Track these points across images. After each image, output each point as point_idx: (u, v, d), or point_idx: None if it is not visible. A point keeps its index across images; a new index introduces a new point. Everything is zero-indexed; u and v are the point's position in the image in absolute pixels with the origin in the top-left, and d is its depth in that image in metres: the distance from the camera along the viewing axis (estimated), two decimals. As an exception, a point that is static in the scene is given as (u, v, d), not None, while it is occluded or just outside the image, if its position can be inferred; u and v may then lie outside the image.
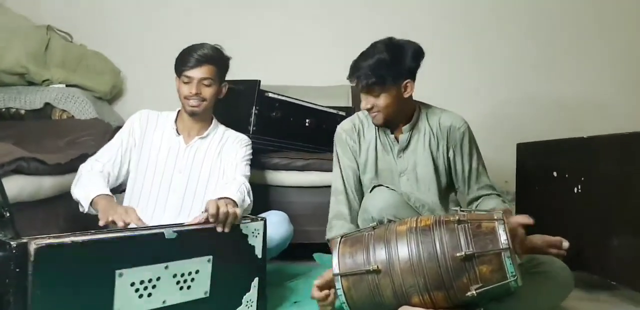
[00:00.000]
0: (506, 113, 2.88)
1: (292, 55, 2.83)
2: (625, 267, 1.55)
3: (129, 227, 1.24)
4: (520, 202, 2.21)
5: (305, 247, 1.89)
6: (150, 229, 1.15)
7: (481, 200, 1.58)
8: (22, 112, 2.25)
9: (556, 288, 1.34)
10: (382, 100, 1.50)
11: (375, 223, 1.30)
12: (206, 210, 1.20)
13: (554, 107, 2.88)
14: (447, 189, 1.63)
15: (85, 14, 2.77)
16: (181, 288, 1.13)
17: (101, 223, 1.29)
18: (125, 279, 1.03)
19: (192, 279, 1.15)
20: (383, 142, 1.62)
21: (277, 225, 1.52)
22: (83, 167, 1.52)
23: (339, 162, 1.65)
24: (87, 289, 0.98)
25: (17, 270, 0.90)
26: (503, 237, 1.10)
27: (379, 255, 1.19)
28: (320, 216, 1.71)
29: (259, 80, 1.96)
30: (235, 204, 1.38)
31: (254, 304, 1.29)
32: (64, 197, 1.51)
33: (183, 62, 1.57)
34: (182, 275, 1.13)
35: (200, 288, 1.17)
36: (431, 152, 1.59)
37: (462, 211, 1.21)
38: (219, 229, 1.20)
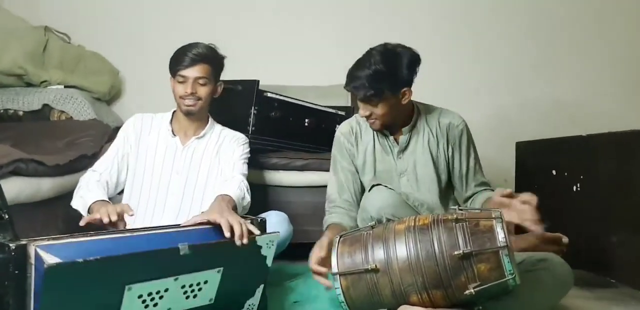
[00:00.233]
0: (505, 112, 2.89)
1: (291, 55, 2.83)
2: (625, 265, 1.55)
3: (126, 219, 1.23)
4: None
5: (304, 247, 1.89)
6: (149, 229, 1.15)
7: (475, 195, 1.59)
8: (21, 113, 2.25)
9: (555, 286, 1.33)
10: (380, 109, 1.49)
11: (373, 222, 1.30)
12: (208, 218, 1.19)
13: (553, 106, 2.88)
14: (447, 189, 1.63)
15: (83, 15, 2.77)
16: (187, 297, 1.10)
17: (81, 223, 1.25)
18: (134, 292, 1.00)
19: (200, 289, 1.12)
20: (382, 143, 1.62)
21: (276, 225, 1.52)
22: (82, 179, 1.52)
23: (336, 166, 1.65)
24: (94, 302, 0.96)
25: (16, 272, 0.90)
26: (501, 236, 1.10)
27: (378, 254, 1.19)
28: (319, 216, 1.71)
29: (258, 80, 1.96)
30: (233, 201, 1.39)
31: (255, 307, 1.29)
32: (63, 199, 1.51)
33: (177, 61, 1.56)
34: (191, 285, 1.10)
35: (206, 296, 1.14)
36: (431, 152, 1.59)
37: (461, 210, 1.22)
38: (238, 243, 1.16)
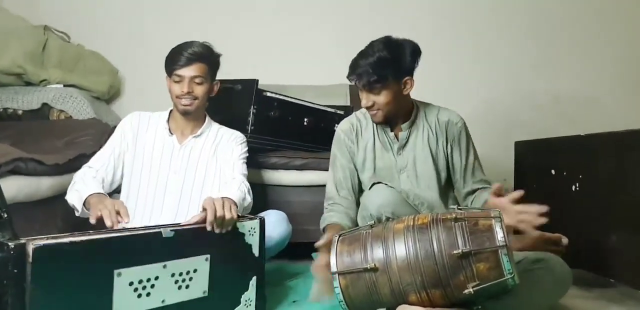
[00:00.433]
0: (504, 111, 2.89)
1: (290, 55, 2.83)
2: (624, 265, 1.55)
3: (120, 226, 1.24)
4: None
5: (304, 246, 1.89)
6: (148, 228, 1.15)
7: (476, 194, 1.59)
8: (20, 112, 2.25)
9: (554, 285, 1.34)
10: (383, 98, 1.50)
11: (373, 221, 1.30)
12: (204, 209, 1.20)
13: (553, 106, 2.89)
14: (446, 185, 1.64)
15: (82, 14, 2.77)
16: (180, 287, 1.13)
17: (92, 220, 1.27)
18: (124, 279, 1.03)
19: (191, 278, 1.15)
20: (382, 140, 1.63)
21: (275, 224, 1.52)
22: (77, 175, 1.51)
23: (335, 163, 1.65)
24: (85, 288, 0.98)
25: (15, 271, 0.90)
26: (500, 235, 1.10)
27: (377, 253, 1.19)
28: (318, 215, 1.70)
29: (257, 80, 1.96)
30: (234, 203, 1.39)
31: (253, 303, 1.30)
32: (62, 198, 1.50)
33: (173, 61, 1.56)
34: (181, 274, 1.13)
35: (199, 287, 1.17)
36: (430, 149, 1.60)
37: (460, 209, 1.22)
38: (217, 231, 1.20)
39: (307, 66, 2.79)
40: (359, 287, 1.19)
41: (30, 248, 0.92)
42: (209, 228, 1.19)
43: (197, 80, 1.56)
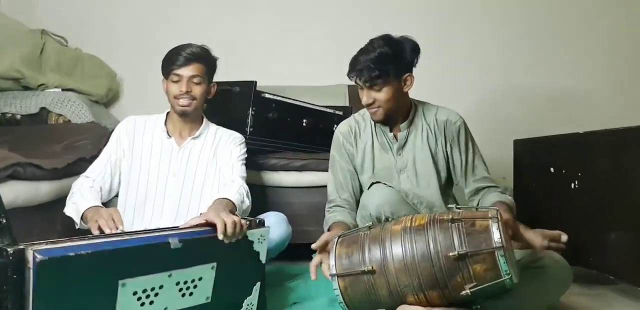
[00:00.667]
0: (502, 110, 2.89)
1: (288, 56, 2.83)
2: (623, 262, 1.55)
3: (118, 231, 1.24)
4: (518, 198, 2.20)
5: (303, 247, 1.89)
6: (148, 232, 1.15)
7: (481, 195, 1.58)
8: (18, 117, 2.25)
9: (554, 284, 1.34)
10: (384, 95, 1.50)
11: (371, 223, 1.30)
12: (205, 218, 1.19)
13: (550, 104, 2.89)
14: (447, 184, 1.63)
15: (80, 18, 2.78)
16: (183, 295, 1.11)
17: (94, 232, 1.29)
18: (128, 289, 1.00)
19: (195, 286, 1.12)
20: (381, 141, 1.62)
21: (275, 226, 1.52)
22: (74, 185, 1.52)
23: (335, 166, 1.65)
24: (89, 299, 0.97)
25: (15, 276, 0.90)
26: (496, 236, 1.10)
27: (374, 255, 1.19)
28: (318, 216, 1.71)
29: (255, 81, 1.96)
30: (234, 206, 1.39)
31: (254, 307, 1.29)
32: (61, 202, 1.50)
33: (171, 61, 1.56)
34: (185, 282, 1.10)
35: (202, 294, 1.15)
36: (429, 148, 1.59)
37: (459, 209, 1.22)
38: (226, 241, 1.17)
39: (305, 67, 2.79)
40: (358, 289, 1.19)
41: (30, 254, 0.91)
42: (220, 236, 1.16)
43: (195, 80, 1.56)
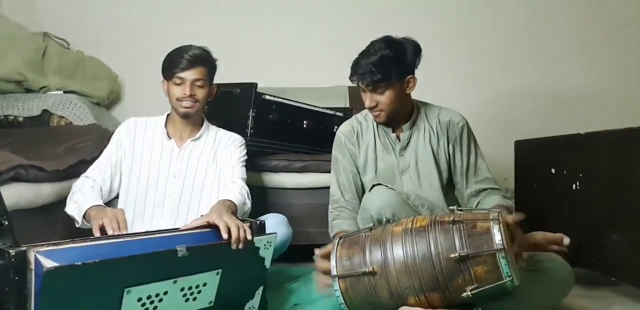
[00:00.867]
0: (504, 111, 2.89)
1: (289, 57, 2.84)
2: (626, 263, 1.55)
3: (120, 233, 1.23)
4: (519, 199, 2.21)
5: (304, 249, 1.89)
6: (149, 234, 1.15)
7: (482, 197, 1.58)
8: (20, 119, 2.25)
9: (556, 286, 1.34)
10: (387, 97, 1.50)
11: (372, 224, 1.30)
12: (207, 219, 1.20)
13: (552, 104, 2.89)
14: (449, 186, 1.63)
15: (81, 21, 2.78)
16: (187, 300, 1.11)
17: (95, 232, 1.28)
18: (133, 295, 1.01)
19: (199, 291, 1.12)
20: (384, 142, 1.62)
21: (275, 227, 1.52)
22: (75, 186, 1.52)
23: (338, 166, 1.65)
24: (93, 305, 0.97)
25: (17, 278, 0.91)
26: (497, 237, 1.10)
27: (375, 257, 1.19)
28: (319, 217, 1.71)
29: (256, 83, 1.97)
30: (235, 207, 1.39)
31: (255, 309, 1.29)
32: (63, 204, 1.51)
33: (174, 64, 1.56)
34: (190, 288, 1.10)
35: (206, 299, 1.15)
36: (432, 149, 1.59)
37: (460, 210, 1.22)
38: (234, 247, 1.17)
39: (306, 68, 2.79)
40: (359, 290, 1.19)
41: (31, 256, 0.92)
42: (225, 237, 1.16)
43: (198, 83, 1.57)
